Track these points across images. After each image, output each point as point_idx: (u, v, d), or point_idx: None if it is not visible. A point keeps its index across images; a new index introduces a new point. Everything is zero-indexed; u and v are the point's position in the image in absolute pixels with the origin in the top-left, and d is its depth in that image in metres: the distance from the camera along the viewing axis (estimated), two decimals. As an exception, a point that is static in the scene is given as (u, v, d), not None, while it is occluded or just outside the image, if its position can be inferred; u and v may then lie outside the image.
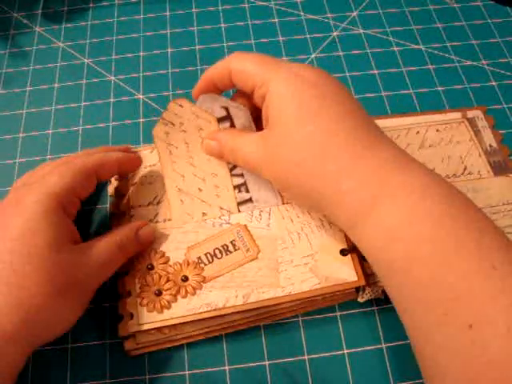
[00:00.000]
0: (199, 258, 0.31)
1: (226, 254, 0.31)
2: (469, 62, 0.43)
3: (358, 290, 0.31)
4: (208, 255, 0.31)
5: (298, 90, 0.26)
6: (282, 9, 0.47)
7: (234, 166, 0.33)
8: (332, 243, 0.32)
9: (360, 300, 0.31)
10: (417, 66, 0.42)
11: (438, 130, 0.38)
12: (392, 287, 0.25)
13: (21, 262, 0.25)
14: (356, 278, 0.30)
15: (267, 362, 0.30)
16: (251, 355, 0.30)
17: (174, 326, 0.29)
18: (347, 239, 0.32)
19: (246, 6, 0.47)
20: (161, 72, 0.43)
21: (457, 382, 0.21)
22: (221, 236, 0.32)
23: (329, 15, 0.46)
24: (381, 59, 0.43)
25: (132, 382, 0.30)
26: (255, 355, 0.30)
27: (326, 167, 0.25)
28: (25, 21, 0.47)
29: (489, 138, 0.38)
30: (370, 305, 0.32)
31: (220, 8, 0.47)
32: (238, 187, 0.33)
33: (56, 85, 0.42)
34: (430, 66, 0.42)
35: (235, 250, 0.31)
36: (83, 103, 0.41)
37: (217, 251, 0.31)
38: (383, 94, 0.41)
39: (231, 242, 0.32)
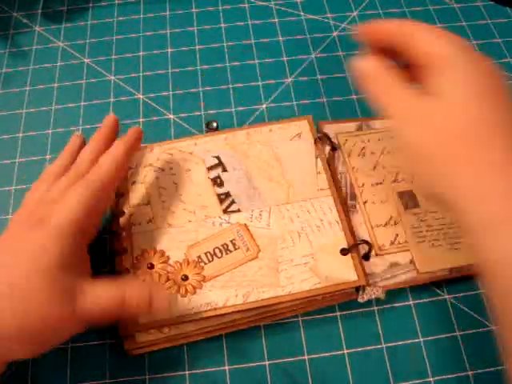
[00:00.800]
0: (199, 257, 0.31)
1: (226, 253, 0.31)
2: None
3: (357, 289, 0.31)
4: (208, 254, 0.31)
5: (478, 77, 0.24)
6: (282, 9, 0.47)
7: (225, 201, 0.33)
8: (332, 243, 0.32)
9: (360, 300, 0.31)
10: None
11: None
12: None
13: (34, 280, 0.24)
14: (356, 278, 0.30)
15: (267, 362, 0.30)
16: (251, 355, 0.30)
17: (174, 325, 0.29)
18: (347, 239, 0.32)
19: (246, 6, 0.47)
20: (161, 72, 0.43)
21: None
22: (221, 235, 0.32)
23: (329, 15, 0.46)
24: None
25: (132, 382, 0.30)
26: (255, 355, 0.30)
27: (487, 155, 0.22)
28: (24, 20, 0.46)
29: None
30: (370, 305, 0.32)
31: (220, 8, 0.47)
32: (228, 213, 0.33)
33: (55, 84, 0.42)
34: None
35: (235, 249, 0.31)
36: (83, 103, 0.41)
37: (217, 250, 0.31)
38: (383, 94, 0.41)
39: (231, 241, 0.32)
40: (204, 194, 0.34)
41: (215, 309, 0.29)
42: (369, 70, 0.27)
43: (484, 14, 0.46)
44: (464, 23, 0.45)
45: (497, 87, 0.24)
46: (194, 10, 0.47)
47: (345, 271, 0.30)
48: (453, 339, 0.31)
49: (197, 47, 0.44)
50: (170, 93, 0.41)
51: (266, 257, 0.31)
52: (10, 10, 0.47)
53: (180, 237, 0.32)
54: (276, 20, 0.46)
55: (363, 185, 0.35)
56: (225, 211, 0.33)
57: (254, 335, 0.31)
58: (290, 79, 0.42)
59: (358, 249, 0.32)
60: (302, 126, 0.37)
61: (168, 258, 0.31)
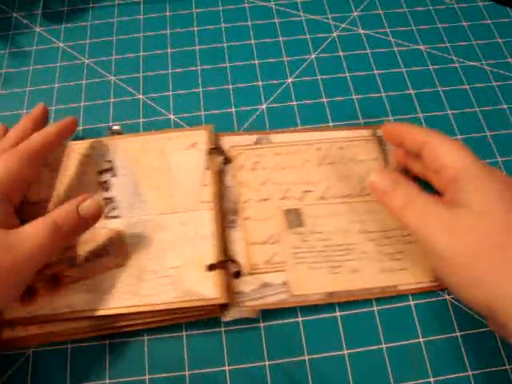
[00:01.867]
0: (70, 257, 0.31)
1: (97, 258, 0.31)
2: (469, 63, 0.43)
3: (225, 307, 0.30)
4: (80, 257, 0.31)
5: (496, 189, 0.26)
6: (283, 9, 0.47)
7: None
8: (201, 257, 0.31)
9: (224, 320, 0.30)
10: (417, 67, 0.42)
11: (341, 148, 0.37)
12: None
13: None
14: (217, 296, 0.29)
15: (267, 362, 0.30)
16: (251, 355, 0.30)
17: (40, 324, 0.29)
18: (217, 255, 0.31)
19: (247, 6, 0.47)
20: (161, 72, 0.43)
21: None
22: (95, 240, 0.32)
23: (329, 15, 0.46)
24: (381, 59, 0.43)
25: (132, 382, 0.30)
26: (255, 355, 0.30)
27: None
28: (25, 21, 0.47)
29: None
30: (370, 305, 0.32)
31: (220, 8, 0.47)
32: (108, 218, 0.33)
33: (56, 85, 0.42)
34: (430, 67, 0.42)
35: (106, 254, 0.31)
36: (83, 103, 0.41)
37: (89, 254, 0.31)
38: (383, 94, 0.41)
39: (103, 247, 0.32)
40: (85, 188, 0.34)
41: (74, 311, 0.29)
42: (385, 186, 0.28)
43: (484, 14, 0.46)
44: (464, 23, 0.45)
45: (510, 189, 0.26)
46: (194, 10, 0.47)
47: (207, 287, 0.30)
48: (453, 339, 0.31)
49: (197, 47, 0.44)
50: (171, 93, 0.41)
51: (133, 265, 0.31)
52: (10, 10, 0.47)
53: None
54: (276, 20, 0.46)
55: (248, 200, 0.34)
56: (105, 216, 0.33)
57: (254, 335, 0.31)
58: (290, 80, 0.42)
59: (226, 266, 0.31)
60: (199, 136, 0.36)
61: None
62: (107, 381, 0.30)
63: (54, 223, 0.27)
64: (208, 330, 0.31)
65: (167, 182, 0.34)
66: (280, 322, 0.31)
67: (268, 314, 0.31)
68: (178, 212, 0.33)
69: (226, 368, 0.30)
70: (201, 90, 0.41)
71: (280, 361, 0.30)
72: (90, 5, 0.47)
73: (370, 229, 0.33)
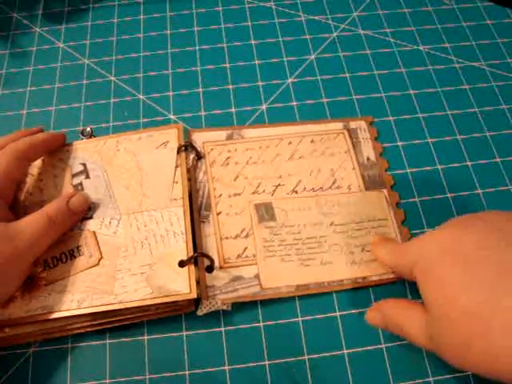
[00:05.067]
0: (45, 260, 0.31)
1: (71, 259, 0.31)
2: (469, 63, 0.43)
3: (198, 302, 0.31)
4: (54, 259, 0.31)
5: (440, 267, 0.24)
6: (283, 9, 0.47)
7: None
8: (172, 254, 0.31)
9: (198, 313, 0.31)
10: (417, 67, 0.43)
11: (312, 141, 0.37)
12: None
13: None
14: (188, 291, 0.30)
15: (267, 362, 0.30)
16: (251, 355, 0.30)
17: (12, 326, 0.30)
18: (188, 250, 0.31)
19: (247, 6, 0.47)
20: (162, 72, 0.43)
21: None
22: (68, 240, 0.32)
23: (329, 16, 0.46)
24: (381, 60, 0.43)
25: (132, 382, 0.30)
26: (255, 355, 0.30)
27: (497, 343, 0.21)
28: (25, 21, 0.47)
29: (368, 150, 0.37)
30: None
31: (221, 8, 0.47)
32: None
33: (57, 85, 0.42)
34: (430, 67, 0.42)
35: (80, 255, 0.32)
36: (83, 103, 0.41)
37: (63, 255, 0.32)
38: (383, 94, 0.41)
39: (77, 248, 0.32)
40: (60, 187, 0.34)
41: (50, 312, 0.30)
42: (376, 321, 0.29)
43: (484, 14, 0.46)
44: (464, 24, 0.45)
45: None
46: (194, 10, 0.47)
47: (179, 283, 0.30)
48: (453, 339, 0.31)
49: (197, 48, 0.44)
50: (171, 93, 0.41)
51: (107, 264, 0.31)
52: (10, 10, 0.47)
53: None
54: (276, 20, 0.46)
55: (220, 195, 0.35)
56: None
57: (254, 335, 0.31)
58: (290, 80, 0.42)
59: (198, 261, 0.32)
60: (170, 135, 0.36)
61: None
62: (107, 380, 0.30)
63: (48, 216, 0.30)
64: (208, 330, 0.31)
65: (139, 181, 0.35)
66: (280, 321, 0.31)
67: (268, 313, 0.32)
68: (149, 210, 0.33)
69: (226, 368, 0.30)
70: (201, 89, 0.42)
71: (280, 361, 0.30)
72: (91, 5, 0.47)
73: (341, 221, 0.34)
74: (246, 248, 0.33)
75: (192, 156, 0.36)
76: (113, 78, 0.43)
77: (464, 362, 0.23)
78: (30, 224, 0.29)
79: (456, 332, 0.22)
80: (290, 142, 0.37)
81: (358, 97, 0.41)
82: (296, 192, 0.35)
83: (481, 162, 0.37)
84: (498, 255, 0.23)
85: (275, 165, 0.36)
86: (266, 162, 0.37)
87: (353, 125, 0.38)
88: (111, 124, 0.40)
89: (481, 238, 0.24)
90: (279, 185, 0.36)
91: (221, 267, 0.32)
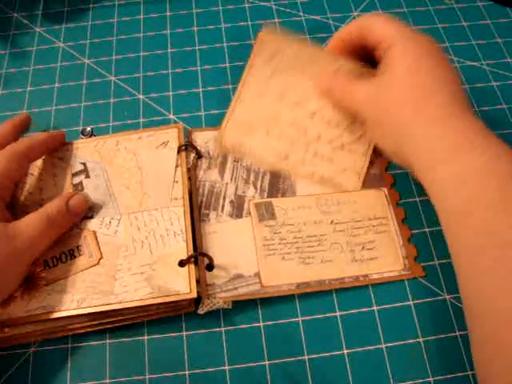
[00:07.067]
0: (45, 260, 0.31)
1: (71, 259, 0.31)
2: (469, 63, 0.43)
3: (198, 301, 0.31)
4: (54, 258, 0.31)
5: (416, 51, 0.30)
6: (282, 9, 0.47)
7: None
8: (173, 253, 0.31)
9: (199, 312, 0.31)
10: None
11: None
12: (451, 233, 0.27)
13: None
14: (188, 291, 0.30)
15: (267, 362, 0.30)
16: (251, 355, 0.30)
17: (13, 325, 0.30)
18: (188, 250, 0.31)
19: (247, 6, 0.47)
20: (161, 72, 0.43)
21: (506, 322, 0.23)
22: (68, 240, 0.32)
23: (329, 15, 0.46)
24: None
25: (132, 382, 0.30)
26: (255, 355, 0.30)
27: (423, 112, 0.28)
28: (25, 21, 0.47)
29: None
30: (369, 305, 0.32)
31: (220, 8, 0.47)
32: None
33: (56, 85, 0.42)
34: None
35: (80, 255, 0.32)
36: (83, 103, 0.41)
37: (63, 255, 0.32)
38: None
39: (77, 247, 0.32)
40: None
41: (49, 312, 0.30)
42: (323, 84, 0.35)
43: (484, 14, 0.46)
44: (464, 23, 0.45)
45: (435, 59, 0.30)
46: (194, 10, 0.47)
47: (179, 283, 0.30)
48: (453, 339, 0.31)
49: (197, 47, 0.44)
50: (171, 93, 0.41)
51: (107, 264, 0.31)
52: (10, 10, 0.47)
53: None
54: (276, 20, 0.46)
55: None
56: None
57: (254, 335, 0.31)
58: (290, 79, 0.42)
59: (198, 260, 0.32)
60: (170, 135, 0.36)
61: None
62: (107, 380, 0.30)
63: (48, 217, 0.30)
64: (208, 330, 0.31)
65: (139, 181, 0.35)
66: (280, 321, 0.31)
67: (268, 313, 0.32)
68: (150, 210, 0.33)
69: (226, 368, 0.30)
70: (201, 89, 0.41)
71: (280, 360, 0.30)
72: (91, 5, 0.47)
73: (341, 220, 0.34)
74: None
75: (192, 155, 0.36)
76: (112, 78, 0.43)
77: (388, 117, 0.30)
78: (30, 224, 0.29)
79: (401, 93, 0.29)
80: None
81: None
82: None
83: (481, 161, 0.37)
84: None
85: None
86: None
87: None
88: (111, 124, 0.40)
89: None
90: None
91: (221, 265, 0.32)
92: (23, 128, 0.36)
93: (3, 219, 0.30)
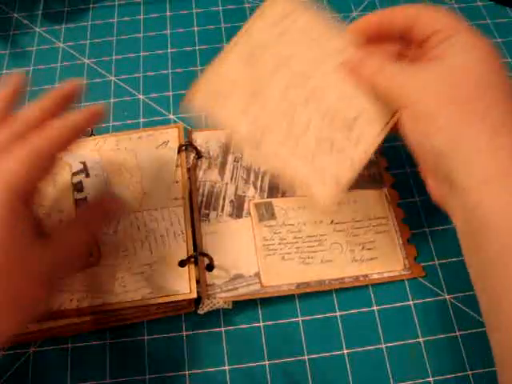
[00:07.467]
0: None
1: None
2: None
3: (198, 301, 0.31)
4: None
5: (485, 47, 0.26)
6: (282, 9, 0.47)
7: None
8: (172, 253, 0.31)
9: (199, 312, 0.31)
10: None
11: None
12: (494, 267, 0.23)
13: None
14: (188, 291, 0.30)
15: (267, 362, 0.30)
16: (251, 355, 0.30)
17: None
18: (188, 250, 0.31)
19: (247, 6, 0.47)
20: (161, 72, 0.43)
21: None
22: None
23: (329, 15, 0.46)
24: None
25: (132, 382, 0.30)
26: (255, 355, 0.30)
27: (491, 114, 0.24)
28: (25, 21, 0.47)
29: None
30: (369, 305, 0.32)
31: (220, 8, 0.47)
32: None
33: (56, 85, 0.42)
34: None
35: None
36: (84, 103, 0.41)
37: None
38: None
39: None
40: (62, 199, 0.34)
41: (49, 312, 0.29)
42: (358, 57, 0.29)
43: (484, 13, 0.46)
44: (464, 23, 0.45)
45: (496, 59, 0.26)
46: (194, 10, 0.47)
47: (179, 283, 0.30)
48: (453, 339, 0.31)
49: (197, 47, 0.44)
50: (171, 93, 0.41)
51: (107, 264, 0.31)
52: (10, 10, 0.47)
53: None
54: (276, 20, 0.46)
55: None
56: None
57: (254, 335, 0.31)
58: (290, 79, 0.42)
59: (197, 260, 0.32)
60: (170, 134, 0.36)
61: None
62: (107, 380, 0.30)
63: (86, 223, 0.26)
64: (208, 330, 0.31)
65: (139, 180, 0.35)
66: (280, 321, 0.31)
67: (268, 313, 0.32)
68: (150, 210, 0.33)
69: (226, 368, 0.30)
70: (201, 90, 0.41)
71: (280, 360, 0.30)
72: (91, 5, 0.47)
73: (341, 220, 0.34)
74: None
75: (192, 155, 0.36)
76: (112, 78, 0.43)
77: (435, 112, 0.25)
78: (69, 242, 0.25)
79: (457, 88, 0.25)
80: None
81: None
82: None
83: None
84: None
85: None
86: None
87: None
88: (111, 124, 0.40)
89: None
90: None
91: (221, 265, 0.32)
92: (70, 104, 0.28)
93: (34, 232, 0.24)
